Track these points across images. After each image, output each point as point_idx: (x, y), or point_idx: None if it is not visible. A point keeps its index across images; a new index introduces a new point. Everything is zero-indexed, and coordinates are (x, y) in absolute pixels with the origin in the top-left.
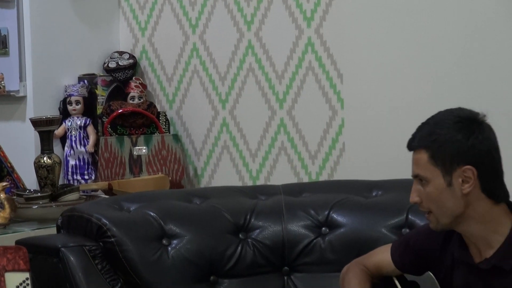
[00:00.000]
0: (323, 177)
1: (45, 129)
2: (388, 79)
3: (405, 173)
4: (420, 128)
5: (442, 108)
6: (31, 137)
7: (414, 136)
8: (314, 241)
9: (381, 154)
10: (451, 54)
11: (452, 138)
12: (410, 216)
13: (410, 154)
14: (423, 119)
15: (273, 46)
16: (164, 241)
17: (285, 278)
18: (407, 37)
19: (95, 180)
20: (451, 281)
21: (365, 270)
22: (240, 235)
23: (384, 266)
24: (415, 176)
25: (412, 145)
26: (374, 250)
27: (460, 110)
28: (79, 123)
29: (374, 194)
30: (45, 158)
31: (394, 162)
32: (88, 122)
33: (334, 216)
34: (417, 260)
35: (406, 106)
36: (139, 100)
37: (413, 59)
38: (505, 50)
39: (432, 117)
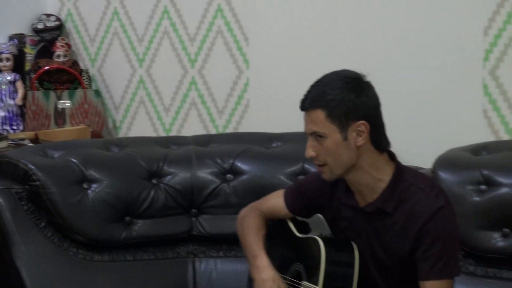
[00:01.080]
0: (229, 130)
1: None
2: (289, 42)
3: (302, 127)
4: (312, 90)
5: (337, 68)
6: None
7: (307, 97)
8: (220, 186)
9: (281, 109)
10: (344, 19)
11: (346, 97)
12: (305, 165)
13: None
14: None
15: (187, 11)
16: (84, 185)
17: (193, 219)
18: (307, 4)
19: (23, 130)
20: (338, 223)
21: (261, 215)
22: (153, 181)
23: (278, 210)
24: (312, 133)
25: (306, 105)
26: (268, 195)
27: (345, 71)
28: (9, 78)
29: (274, 145)
30: None
31: (292, 117)
32: (17, 77)
33: (238, 164)
34: (307, 204)
35: (304, 67)
36: (64, 58)
37: (312, 24)
38: (390, 18)
39: (321, 79)
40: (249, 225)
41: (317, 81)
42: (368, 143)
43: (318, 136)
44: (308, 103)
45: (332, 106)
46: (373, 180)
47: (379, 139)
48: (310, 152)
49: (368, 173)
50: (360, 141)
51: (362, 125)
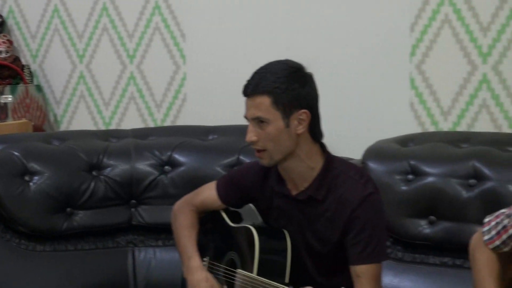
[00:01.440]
0: (167, 123)
1: None
2: (225, 39)
3: (237, 120)
4: (257, 76)
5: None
6: None
7: (251, 82)
8: (158, 178)
9: (217, 103)
10: (278, 16)
11: (291, 86)
12: (240, 157)
13: (240, 104)
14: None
15: (125, 8)
16: (26, 178)
17: (132, 210)
18: (242, 1)
19: None
20: (271, 212)
21: (194, 210)
22: (94, 173)
23: (211, 202)
24: (255, 118)
25: (251, 91)
26: (201, 188)
27: (290, 61)
28: None
29: (210, 137)
30: None
31: (228, 111)
32: None
33: (176, 156)
34: (240, 195)
35: (239, 62)
36: (6, 54)
37: (247, 20)
38: (323, 15)
39: (267, 66)
40: (182, 223)
41: (262, 68)
42: (307, 132)
43: (260, 121)
44: (253, 89)
45: (278, 93)
46: (306, 169)
47: (316, 130)
48: (251, 137)
49: (303, 161)
50: (300, 129)
51: (304, 114)
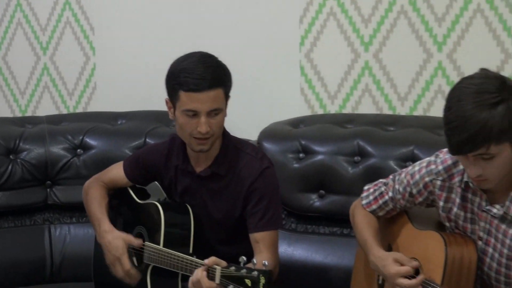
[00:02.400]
0: (79, 110)
1: None
2: (131, 31)
3: (143, 106)
4: (208, 71)
5: (176, 55)
6: None
7: (205, 78)
8: (71, 160)
9: (125, 91)
10: (180, 10)
11: (230, 77)
12: (147, 139)
13: (146, 91)
14: (160, 64)
15: (37, 4)
16: None
17: (48, 190)
18: None
19: None
20: (175, 188)
21: (103, 185)
22: (11, 156)
23: (119, 180)
24: (213, 110)
25: (207, 85)
26: (110, 167)
27: (207, 53)
28: None
29: (119, 122)
30: None
31: (135, 98)
32: None
33: (87, 140)
34: (145, 173)
35: (145, 53)
36: None
37: (151, 14)
38: (222, 9)
39: (209, 60)
40: (93, 196)
41: (205, 63)
42: None
43: (215, 112)
44: (210, 84)
45: (228, 85)
46: (213, 146)
47: None
48: (207, 128)
49: (218, 141)
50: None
51: (228, 100)
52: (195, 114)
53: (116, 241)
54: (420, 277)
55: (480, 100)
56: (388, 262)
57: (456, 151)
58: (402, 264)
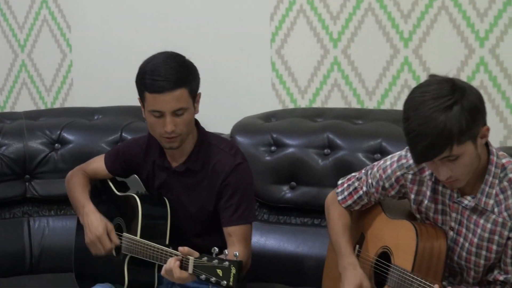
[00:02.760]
0: (56, 106)
1: None
2: (107, 29)
3: (119, 101)
4: (171, 72)
5: (151, 52)
6: None
7: (168, 79)
8: (49, 154)
9: (101, 86)
10: (154, 7)
11: (196, 76)
12: (123, 134)
13: (121, 87)
14: (135, 61)
15: (15, 2)
16: None
17: (27, 184)
18: None
19: None
20: (153, 182)
21: (86, 175)
22: None
23: (100, 171)
24: (178, 109)
25: (171, 86)
26: (92, 159)
27: (178, 54)
28: None
29: (95, 117)
30: None
31: (111, 94)
32: None
33: (65, 135)
34: (124, 166)
35: (120, 50)
36: None
37: (126, 11)
38: (195, 8)
39: (170, 62)
40: (76, 183)
41: (168, 64)
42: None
43: (179, 111)
44: (173, 85)
45: (193, 84)
46: (185, 144)
47: None
48: (172, 127)
49: (187, 139)
50: (197, 110)
51: (198, 96)
52: (161, 114)
53: (98, 222)
54: None
55: (435, 105)
56: (352, 280)
57: (421, 159)
58: None
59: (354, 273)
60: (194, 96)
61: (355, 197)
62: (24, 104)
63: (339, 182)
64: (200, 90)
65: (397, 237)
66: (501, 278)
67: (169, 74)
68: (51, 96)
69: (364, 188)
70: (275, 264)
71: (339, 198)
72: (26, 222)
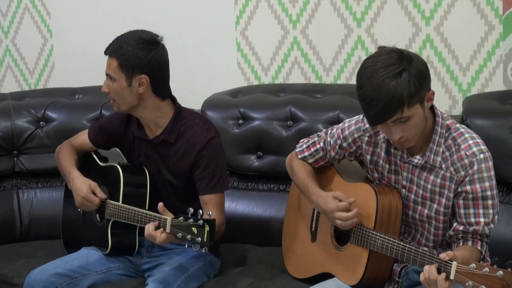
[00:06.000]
0: (40, 87)
1: None
2: (84, 15)
3: (97, 81)
4: (115, 41)
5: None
6: None
7: (109, 46)
8: (35, 131)
9: (81, 68)
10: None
11: (135, 54)
12: (102, 111)
13: (100, 68)
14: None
15: None
16: None
17: (15, 159)
18: None
19: None
20: (134, 153)
21: (72, 147)
22: None
23: (85, 144)
24: (107, 74)
25: (107, 52)
26: (78, 133)
27: (143, 32)
28: None
29: (76, 97)
30: None
31: (90, 74)
32: None
33: (49, 113)
34: (107, 138)
35: (97, 34)
36: None
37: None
38: None
39: (124, 34)
40: (63, 154)
41: (120, 35)
42: (150, 91)
43: (110, 78)
44: (108, 52)
45: (124, 59)
46: (157, 118)
47: (160, 89)
48: (104, 88)
49: (151, 112)
50: (141, 90)
51: (143, 79)
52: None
53: (81, 183)
54: (354, 210)
55: (386, 73)
56: (329, 199)
57: (375, 121)
58: (340, 200)
59: (326, 199)
60: (128, 72)
61: (312, 149)
62: (10, 86)
63: (300, 140)
64: (173, 70)
65: (357, 198)
66: (461, 228)
67: (113, 42)
68: (34, 78)
69: (322, 144)
70: (245, 227)
71: (297, 150)
72: (16, 194)
